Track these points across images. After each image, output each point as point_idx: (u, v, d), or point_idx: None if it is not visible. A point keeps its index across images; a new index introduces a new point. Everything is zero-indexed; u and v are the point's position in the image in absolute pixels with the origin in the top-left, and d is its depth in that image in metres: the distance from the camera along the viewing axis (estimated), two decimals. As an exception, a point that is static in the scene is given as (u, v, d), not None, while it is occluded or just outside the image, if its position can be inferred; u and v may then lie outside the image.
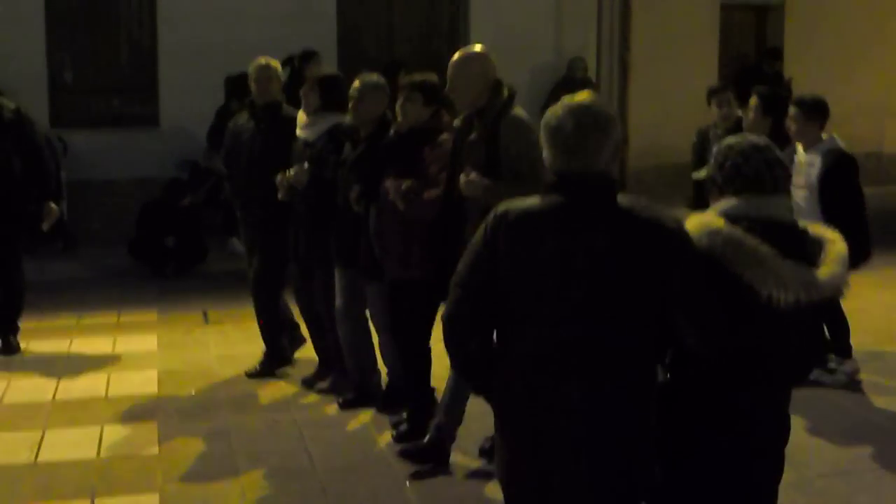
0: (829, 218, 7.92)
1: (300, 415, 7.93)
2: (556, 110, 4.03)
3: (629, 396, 3.91)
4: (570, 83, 14.99)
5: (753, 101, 8.68)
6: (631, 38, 16.57)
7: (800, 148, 8.09)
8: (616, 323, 3.87)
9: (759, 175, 4.11)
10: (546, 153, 4.04)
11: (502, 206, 4.02)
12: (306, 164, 7.90)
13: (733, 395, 4.07)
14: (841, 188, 7.85)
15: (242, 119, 8.94)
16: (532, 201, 3.97)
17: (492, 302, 3.97)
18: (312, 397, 8.26)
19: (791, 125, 8.11)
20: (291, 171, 7.97)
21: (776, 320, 3.95)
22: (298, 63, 13.21)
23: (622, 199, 3.96)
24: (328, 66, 13.42)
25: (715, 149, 4.32)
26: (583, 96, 4.06)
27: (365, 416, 7.81)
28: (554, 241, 3.87)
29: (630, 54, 16.66)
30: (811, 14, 17.89)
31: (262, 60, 8.82)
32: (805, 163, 8.02)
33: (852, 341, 8.47)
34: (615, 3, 16.55)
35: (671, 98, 16.26)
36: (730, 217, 4.06)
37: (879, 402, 8.14)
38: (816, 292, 3.94)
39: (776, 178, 4.14)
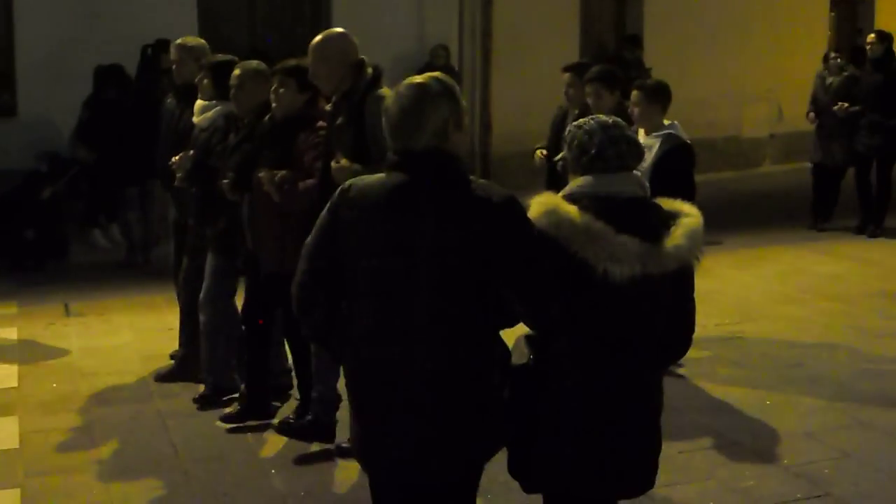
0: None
1: (164, 405, 7.84)
2: (392, 91, 4.15)
3: (470, 365, 3.99)
4: (432, 71, 15.03)
5: (590, 87, 8.58)
6: (493, 26, 16.64)
7: (641, 132, 7.92)
8: (452, 296, 3.94)
9: (602, 152, 4.16)
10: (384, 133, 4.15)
11: (348, 182, 4.13)
12: (191, 152, 7.83)
13: (597, 375, 4.12)
14: (673, 174, 7.56)
15: (170, 99, 8.87)
16: (374, 178, 4.07)
17: (336, 274, 4.07)
18: (176, 388, 8.18)
19: (633, 109, 8.04)
20: (176, 158, 7.90)
21: (620, 297, 4.01)
22: (152, 52, 13.08)
23: (458, 176, 4.01)
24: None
25: (567, 130, 4.38)
26: (420, 76, 4.12)
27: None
28: (390, 216, 3.96)
29: (492, 42, 16.72)
30: (669, 2, 18.16)
31: (179, 41, 8.73)
32: (644, 146, 7.97)
33: (710, 322, 8.63)
34: (477, -10, 16.62)
35: (534, 85, 16.36)
36: (572, 197, 4.13)
37: (738, 380, 8.33)
38: (655, 265, 4.01)
39: (621, 154, 4.19)
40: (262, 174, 6.88)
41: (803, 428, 7.40)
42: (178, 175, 7.88)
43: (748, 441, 7.15)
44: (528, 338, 4.27)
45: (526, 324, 4.17)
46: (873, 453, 6.99)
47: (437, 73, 4.19)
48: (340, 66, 6.49)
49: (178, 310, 8.53)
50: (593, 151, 4.17)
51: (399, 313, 3.97)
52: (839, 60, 13.90)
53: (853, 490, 6.46)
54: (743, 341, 9.28)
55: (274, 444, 7.13)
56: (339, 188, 4.11)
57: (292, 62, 7.09)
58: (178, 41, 8.75)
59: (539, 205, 4.09)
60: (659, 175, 7.46)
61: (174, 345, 8.65)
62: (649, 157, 7.62)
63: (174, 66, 8.69)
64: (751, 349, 9.05)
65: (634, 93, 8.05)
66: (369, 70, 6.50)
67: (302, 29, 15.75)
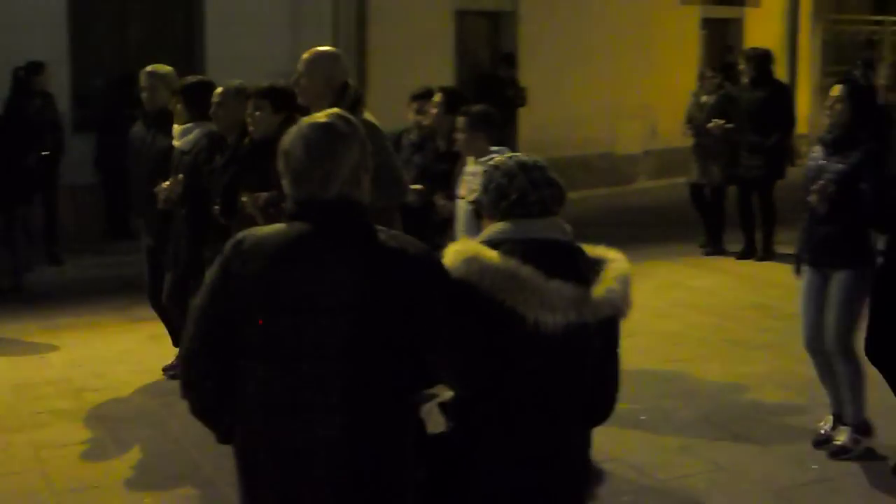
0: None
1: (37, 435, 7.69)
2: (290, 132, 3.70)
3: (378, 436, 3.58)
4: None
5: (438, 97, 8.60)
6: (367, 46, 16.63)
7: (470, 160, 7.78)
8: (361, 361, 3.54)
9: (523, 197, 3.84)
10: (283, 180, 3.70)
11: (241, 234, 3.69)
12: (181, 175, 7.77)
13: (526, 439, 3.78)
14: None
15: (138, 126, 8.84)
16: (271, 229, 3.65)
17: (229, 339, 3.61)
18: (51, 418, 8.02)
19: (457, 136, 7.87)
20: (167, 183, 7.88)
21: (552, 349, 3.68)
22: (25, 75, 12.88)
23: (368, 228, 3.63)
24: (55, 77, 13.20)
25: (481, 170, 4.07)
26: (324, 115, 3.73)
27: (104, 435, 7.64)
28: (291, 272, 3.54)
29: (367, 62, 16.71)
30: (543, 20, 18.31)
31: (150, 68, 8.72)
32: (469, 173, 7.68)
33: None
34: (351, 10, 16.57)
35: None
36: (492, 242, 3.78)
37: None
38: (590, 312, 3.69)
39: (543, 198, 3.85)
40: (244, 198, 6.85)
41: (678, 442, 7.47)
42: (165, 198, 7.87)
43: (624, 456, 7.20)
44: (442, 404, 3.89)
45: (449, 387, 3.78)
46: (747, 466, 7.07)
47: (337, 111, 3.79)
48: (321, 84, 6.55)
49: (48, 337, 8.38)
50: (514, 196, 3.84)
51: (299, 381, 3.53)
52: (715, 79, 13.91)
53: (727, 503, 6.54)
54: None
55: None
56: (232, 240, 3.67)
57: (266, 84, 7.14)
58: (149, 68, 8.77)
59: (456, 253, 3.72)
60: None
61: (48, 373, 8.51)
62: (476, 183, 7.54)
63: (145, 94, 8.72)
64: (626, 364, 9.04)
65: (459, 119, 7.85)
66: (352, 94, 6.53)
67: (173, 52, 15.59)
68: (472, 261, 3.67)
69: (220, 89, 7.64)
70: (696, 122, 13.63)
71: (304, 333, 3.52)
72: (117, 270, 12.68)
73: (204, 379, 3.68)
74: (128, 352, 9.69)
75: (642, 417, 7.90)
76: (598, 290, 3.73)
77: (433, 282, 3.62)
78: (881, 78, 6.76)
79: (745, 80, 13.60)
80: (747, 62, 13.49)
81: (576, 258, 3.83)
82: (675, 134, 19.86)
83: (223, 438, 3.82)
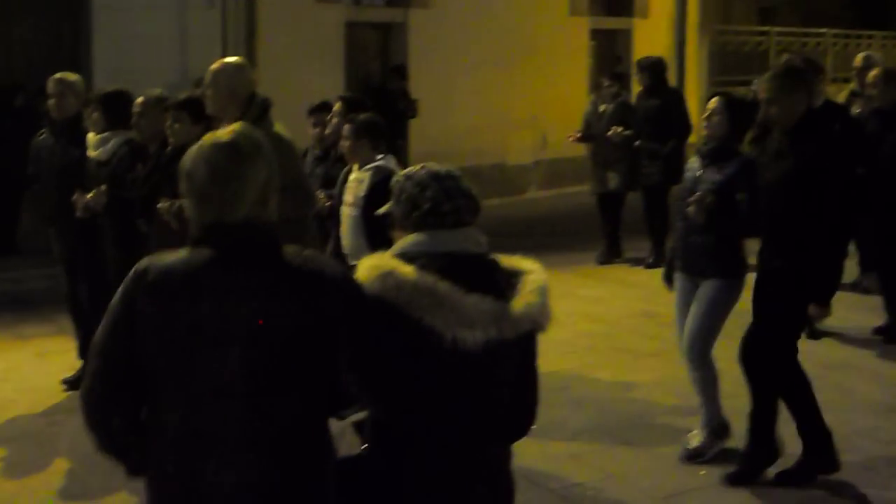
0: (371, 234, 8.06)
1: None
2: (192, 151, 3.51)
3: (297, 470, 3.42)
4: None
5: (338, 105, 8.74)
6: (257, 58, 16.51)
7: (355, 167, 7.88)
8: (277, 392, 3.37)
9: (436, 207, 3.76)
10: (186, 201, 3.53)
11: (143, 262, 3.46)
12: (104, 186, 7.69)
13: (445, 457, 3.71)
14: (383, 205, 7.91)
15: (44, 135, 8.71)
16: (176, 257, 3.42)
17: (135, 372, 3.39)
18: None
19: (343, 144, 7.98)
20: (89, 194, 7.85)
21: (471, 365, 3.61)
22: None
23: (279, 251, 3.46)
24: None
25: (393, 180, 3.97)
26: (227, 132, 3.54)
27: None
28: (200, 302, 3.33)
29: (257, 73, 16.59)
30: (433, 32, 18.36)
31: (58, 75, 8.60)
32: (355, 180, 7.83)
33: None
34: (240, 22, 16.49)
35: (300, 117, 16.33)
36: (407, 256, 3.67)
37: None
38: (510, 327, 3.63)
39: (458, 208, 3.78)
40: (161, 204, 6.85)
41: (569, 450, 7.54)
42: (84, 208, 7.79)
43: (519, 467, 7.22)
44: (357, 425, 3.83)
45: (365, 406, 3.72)
46: (636, 473, 7.16)
47: (240, 128, 3.59)
48: (226, 95, 6.58)
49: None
50: (427, 207, 3.76)
51: (212, 418, 3.35)
52: (612, 88, 14.05)
53: (617, 510, 6.60)
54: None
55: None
56: (134, 271, 3.45)
57: (184, 95, 7.25)
58: (58, 76, 8.66)
59: (371, 268, 3.60)
60: (369, 207, 7.49)
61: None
62: (361, 190, 7.67)
63: (53, 101, 8.57)
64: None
65: (345, 126, 7.99)
66: (258, 105, 6.59)
67: (60, 63, 15.39)
68: (388, 277, 3.57)
69: (140, 99, 7.69)
70: (593, 131, 13.76)
71: (214, 368, 3.33)
72: (2, 287, 12.47)
73: (108, 418, 3.46)
74: (13, 369, 9.53)
75: (533, 427, 7.92)
76: (517, 304, 3.68)
77: (350, 303, 3.49)
78: (762, 91, 6.84)
79: (639, 88, 13.82)
80: (641, 71, 13.70)
81: (493, 271, 3.78)
82: (565, 144, 20.13)
83: (132, 472, 3.60)
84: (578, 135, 13.90)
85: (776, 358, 6.83)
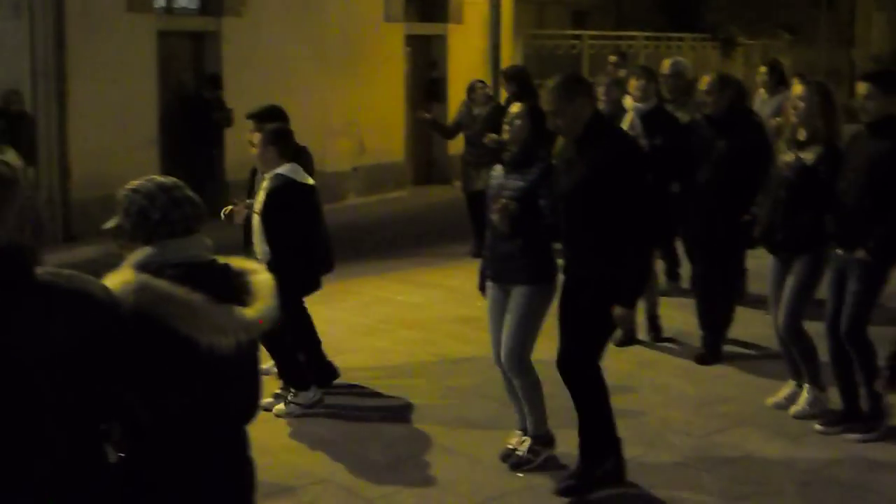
0: (271, 240, 8.18)
1: None
2: None
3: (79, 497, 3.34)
4: (6, 117, 14.53)
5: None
6: (68, 68, 16.16)
7: (266, 175, 8.34)
8: (57, 424, 3.26)
9: (167, 216, 3.84)
10: None
11: None
12: None
13: (202, 457, 3.81)
14: (279, 212, 8.23)
15: None
16: None
17: None
18: None
19: (252, 151, 8.46)
20: None
21: (224, 369, 3.71)
22: None
23: (38, 274, 3.29)
24: None
25: (120, 194, 3.95)
26: None
27: None
28: None
29: (67, 85, 16.24)
30: (247, 40, 18.17)
31: None
32: (263, 188, 8.31)
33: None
34: (49, 33, 16.09)
35: (113, 127, 16.10)
36: (150, 268, 3.70)
37: (322, 415, 8.39)
38: (254, 329, 3.77)
39: (186, 216, 3.87)
40: None
41: (386, 458, 7.54)
42: None
43: (332, 477, 7.21)
44: (106, 434, 3.67)
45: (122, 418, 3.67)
46: (455, 478, 7.19)
47: None
48: None
49: None
50: (157, 216, 3.83)
51: None
52: (485, 90, 14.13)
53: (435, 517, 6.62)
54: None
55: None
56: None
57: None
58: None
59: (124, 283, 3.58)
60: (266, 213, 8.22)
61: None
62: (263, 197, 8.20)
63: None
64: (334, 383, 9.11)
65: (255, 135, 8.38)
66: None
67: None
68: (143, 290, 3.59)
69: None
70: (467, 133, 14.00)
71: None
72: None
73: None
74: None
75: (352, 435, 7.92)
76: (259, 306, 3.81)
77: (114, 319, 3.43)
78: (544, 103, 6.86)
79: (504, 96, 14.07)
80: (508, 81, 14.05)
81: (227, 275, 3.91)
82: (383, 150, 20.18)
83: None
84: (427, 115, 14.16)
85: (584, 363, 6.86)
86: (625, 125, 9.73)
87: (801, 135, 7.93)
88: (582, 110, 6.75)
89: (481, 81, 14.54)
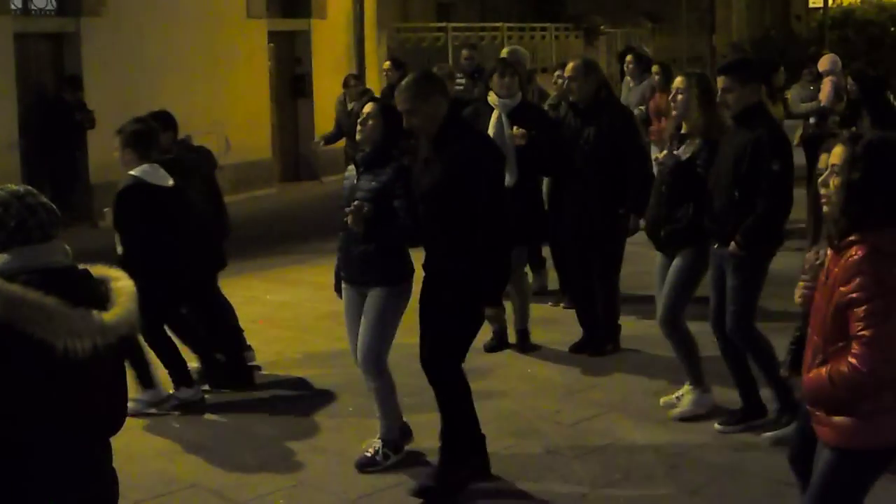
0: (124, 243, 8.11)
1: None
2: None
3: None
4: None
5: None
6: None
7: None
8: None
9: (22, 223, 3.84)
10: None
11: None
12: None
13: (61, 462, 3.80)
14: (124, 214, 8.22)
15: None
16: None
17: None
18: None
19: (115, 154, 8.39)
20: None
21: (82, 374, 3.71)
22: None
23: None
24: None
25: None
26: None
27: None
28: None
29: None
30: (107, 40, 17.88)
31: None
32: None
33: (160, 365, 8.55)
34: None
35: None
36: (4, 274, 3.73)
37: (199, 420, 8.31)
38: (112, 333, 3.76)
39: (42, 223, 3.88)
40: None
41: (257, 460, 7.49)
42: None
43: (207, 481, 7.14)
44: None
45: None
46: (326, 477, 7.20)
47: None
48: None
49: None
50: (13, 224, 3.83)
51: None
52: (359, 87, 14.06)
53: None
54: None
55: None
56: None
57: None
58: None
59: None
60: (114, 214, 8.26)
61: None
62: None
63: None
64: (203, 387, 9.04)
65: (117, 137, 8.32)
66: None
67: None
68: None
69: None
70: (345, 129, 14.02)
71: None
72: None
73: None
74: None
75: (224, 439, 7.86)
76: (118, 311, 3.83)
77: None
78: (398, 102, 6.85)
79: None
80: (395, 70, 14.32)
81: (86, 280, 3.92)
82: (249, 148, 19.99)
83: None
84: (323, 144, 14.12)
85: (448, 362, 6.87)
86: (491, 122, 9.37)
87: (684, 128, 7.96)
88: (437, 109, 6.74)
89: (356, 76, 14.51)
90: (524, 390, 8.60)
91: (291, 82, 22.06)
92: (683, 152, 7.87)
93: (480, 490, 6.91)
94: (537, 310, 10.33)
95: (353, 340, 7.26)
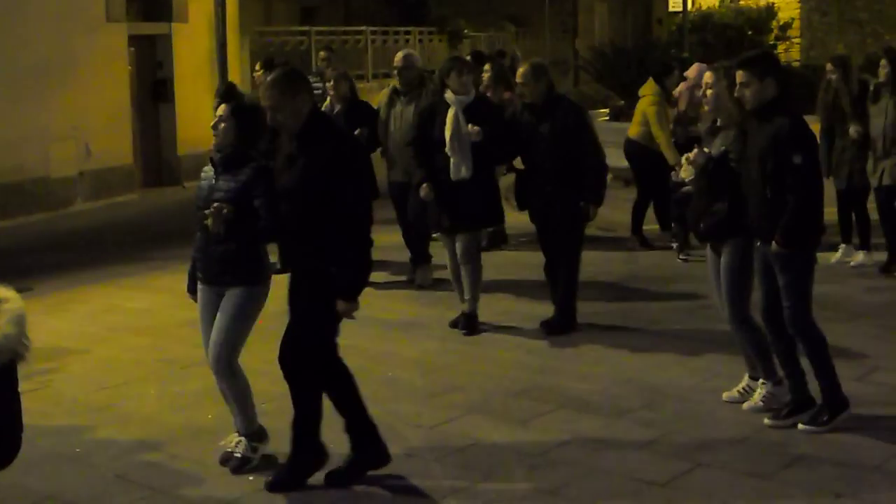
0: None
1: None
2: None
3: None
4: None
5: None
6: None
7: None
8: None
9: None
10: None
11: None
12: None
13: None
14: None
15: None
16: None
17: None
18: None
19: None
20: None
21: None
22: None
23: None
24: None
25: None
26: None
27: None
28: None
29: None
30: (-40, 45, 17.55)
31: None
32: None
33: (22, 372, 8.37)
34: None
35: None
36: None
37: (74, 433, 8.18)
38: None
39: None
40: None
41: (114, 469, 7.37)
42: None
43: (63, 495, 7.01)
44: None
45: None
46: (185, 484, 7.12)
47: None
48: None
49: None
50: None
51: None
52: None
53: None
54: (51, 390, 9.02)
55: None
56: None
57: None
58: None
59: None
60: None
61: None
62: None
63: None
64: (61, 396, 8.87)
65: None
66: None
67: None
68: None
69: None
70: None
71: None
72: None
73: None
74: None
75: (77, 450, 7.73)
76: None
77: None
78: (262, 99, 6.86)
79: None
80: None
81: None
82: (110, 153, 19.72)
83: None
84: None
85: (315, 357, 6.89)
86: (448, 118, 10.15)
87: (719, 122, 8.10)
88: (302, 106, 6.77)
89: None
90: (385, 394, 8.59)
91: (153, 87, 21.79)
92: (717, 146, 7.98)
93: (339, 494, 6.90)
94: (395, 314, 10.36)
95: (205, 341, 7.24)
